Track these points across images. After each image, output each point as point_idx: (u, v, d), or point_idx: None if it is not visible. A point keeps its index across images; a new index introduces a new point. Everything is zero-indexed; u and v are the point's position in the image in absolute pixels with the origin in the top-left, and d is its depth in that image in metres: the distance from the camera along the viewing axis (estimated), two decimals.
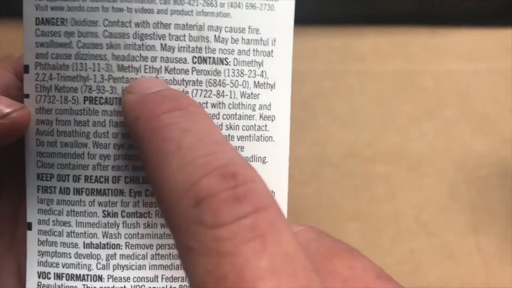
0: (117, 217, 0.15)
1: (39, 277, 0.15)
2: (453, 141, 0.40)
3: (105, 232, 0.15)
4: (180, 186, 0.12)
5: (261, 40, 0.16)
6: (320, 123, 0.41)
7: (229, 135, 0.16)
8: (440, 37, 0.47)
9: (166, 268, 0.16)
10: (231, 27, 0.16)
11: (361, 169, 0.38)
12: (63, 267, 0.15)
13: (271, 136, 0.17)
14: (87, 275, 0.15)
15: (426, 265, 0.33)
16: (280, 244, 0.11)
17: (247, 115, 0.16)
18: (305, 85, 0.43)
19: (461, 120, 0.41)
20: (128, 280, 0.15)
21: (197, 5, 0.15)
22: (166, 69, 0.15)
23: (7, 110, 0.15)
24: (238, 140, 0.16)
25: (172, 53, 0.15)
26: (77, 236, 0.15)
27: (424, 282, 0.33)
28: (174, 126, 0.13)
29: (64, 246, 0.15)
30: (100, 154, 0.15)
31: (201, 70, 0.16)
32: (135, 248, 0.16)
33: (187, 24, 0.15)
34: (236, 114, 0.16)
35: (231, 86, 0.16)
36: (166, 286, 0.16)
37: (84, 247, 0.15)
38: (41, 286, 0.15)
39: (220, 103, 0.16)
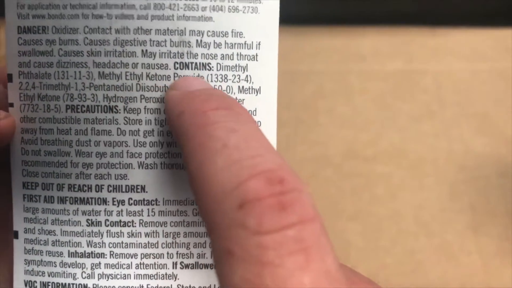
0: (100, 226, 0.15)
1: (25, 286, 0.15)
2: (453, 141, 0.40)
3: (89, 241, 0.15)
4: (225, 185, 0.12)
5: (245, 43, 0.16)
6: (321, 123, 0.41)
7: None
8: (440, 37, 0.47)
9: (151, 278, 0.16)
10: (213, 31, 0.15)
11: (361, 169, 0.38)
12: (48, 276, 0.15)
13: None
14: (73, 284, 0.15)
15: (426, 265, 0.33)
16: (324, 262, 0.11)
17: None
18: (306, 85, 0.43)
19: (461, 120, 0.41)
20: None
21: (178, 10, 0.15)
22: (147, 76, 0.15)
23: None
24: None
25: (154, 59, 0.15)
26: (62, 245, 0.15)
27: (424, 282, 0.33)
28: (221, 124, 0.13)
29: (50, 255, 0.15)
30: (83, 162, 0.15)
31: (184, 76, 0.15)
32: (120, 257, 0.16)
33: (168, 29, 0.15)
34: None
35: None
36: None
37: (69, 256, 0.15)
38: None
39: None
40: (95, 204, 0.15)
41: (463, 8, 0.47)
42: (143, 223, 0.15)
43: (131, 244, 0.16)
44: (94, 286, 0.15)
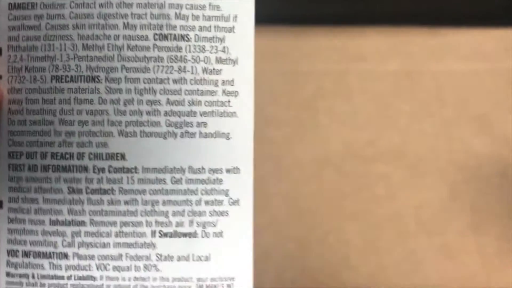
0: (81, 193, 0.16)
1: (8, 255, 0.16)
2: (453, 141, 0.40)
3: (70, 209, 0.16)
4: None
5: (222, 16, 0.16)
6: (320, 123, 0.41)
7: (191, 111, 0.16)
8: (440, 37, 0.47)
9: (130, 247, 0.16)
10: (191, 4, 0.16)
11: (361, 169, 0.38)
12: (30, 244, 0.16)
13: (235, 112, 0.17)
14: (53, 252, 0.16)
15: (426, 265, 0.33)
16: None
17: (209, 90, 0.16)
18: (306, 85, 0.43)
19: (461, 120, 0.41)
20: (93, 258, 0.16)
21: None
22: (128, 47, 0.16)
23: None
24: (201, 115, 0.16)
25: (134, 31, 0.16)
26: (44, 213, 0.16)
27: (424, 282, 0.33)
28: None
29: (32, 223, 0.16)
30: (66, 131, 0.16)
31: (162, 46, 0.16)
32: (99, 225, 0.16)
33: (148, 3, 0.16)
34: (198, 90, 0.16)
35: (192, 62, 0.16)
36: (130, 265, 0.16)
37: (50, 224, 0.16)
38: (10, 264, 0.16)
39: (181, 78, 0.16)
40: (76, 172, 0.16)
41: (463, 8, 0.47)
42: (123, 191, 0.16)
43: (110, 212, 0.16)
44: (74, 254, 0.16)
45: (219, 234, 0.16)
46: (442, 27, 0.47)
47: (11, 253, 0.16)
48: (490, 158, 0.38)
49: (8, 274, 0.16)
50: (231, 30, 0.16)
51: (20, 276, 0.16)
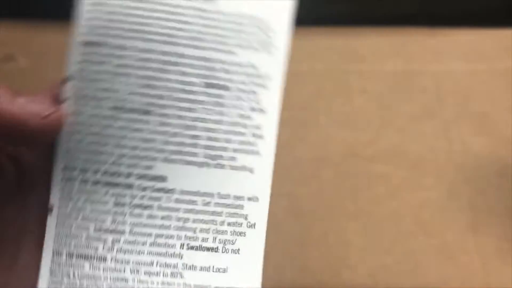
0: (124, 207, 0.18)
1: (53, 255, 0.18)
2: (453, 141, 0.40)
3: (113, 219, 0.18)
4: None
5: (257, 74, 0.20)
6: (320, 123, 0.41)
7: (225, 147, 0.19)
8: (439, 37, 0.47)
9: (161, 255, 0.18)
10: (234, 70, 0.19)
11: (361, 169, 0.38)
12: (74, 247, 0.18)
13: (259, 151, 0.20)
14: (94, 255, 0.18)
15: (425, 265, 0.33)
16: None
17: (241, 132, 0.19)
18: (305, 85, 0.43)
19: (461, 120, 0.41)
20: (128, 263, 0.18)
21: (208, 42, 0.19)
22: (180, 90, 0.19)
23: (47, 112, 0.17)
24: (232, 152, 0.19)
25: (186, 77, 0.19)
26: (90, 220, 0.18)
27: (423, 282, 0.33)
28: None
29: (78, 228, 0.18)
30: (118, 153, 0.18)
31: (208, 93, 0.19)
32: (137, 235, 0.18)
33: (200, 57, 0.19)
34: (232, 131, 0.19)
35: (230, 108, 0.19)
36: (159, 271, 0.18)
37: (94, 231, 0.18)
38: (54, 262, 0.18)
39: (220, 120, 0.19)
40: (122, 188, 0.18)
41: (462, 8, 0.47)
42: (161, 208, 0.18)
43: (148, 225, 0.18)
44: (112, 258, 0.18)
45: (236, 251, 0.19)
46: (441, 27, 0.48)
47: (56, 253, 0.18)
48: (489, 158, 0.38)
49: (51, 272, 0.18)
50: (263, 86, 0.20)
51: (62, 274, 0.18)
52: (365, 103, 0.42)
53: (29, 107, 0.17)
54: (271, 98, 0.20)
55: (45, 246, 0.18)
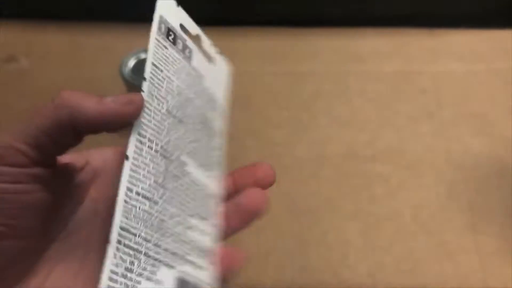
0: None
1: (126, 191, 0.20)
2: (452, 141, 0.40)
3: (164, 177, 0.21)
4: None
5: None
6: (320, 123, 0.41)
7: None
8: (438, 38, 0.48)
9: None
10: None
11: (360, 169, 0.38)
12: (141, 189, 0.20)
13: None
14: (151, 198, 0.20)
15: (424, 264, 0.34)
16: None
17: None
18: (305, 86, 0.43)
19: (459, 120, 0.41)
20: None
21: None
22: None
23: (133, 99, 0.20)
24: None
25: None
26: (151, 173, 0.21)
27: (423, 281, 0.33)
28: None
29: (144, 176, 0.20)
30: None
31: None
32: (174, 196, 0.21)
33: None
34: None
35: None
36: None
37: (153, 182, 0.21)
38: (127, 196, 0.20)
39: None
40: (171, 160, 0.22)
41: (460, 10, 0.47)
42: None
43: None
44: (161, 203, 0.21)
45: None
46: (440, 28, 0.48)
47: (129, 190, 0.19)
48: (488, 158, 0.38)
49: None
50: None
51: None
52: (364, 103, 0.42)
53: (119, 100, 0.19)
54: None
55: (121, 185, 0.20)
